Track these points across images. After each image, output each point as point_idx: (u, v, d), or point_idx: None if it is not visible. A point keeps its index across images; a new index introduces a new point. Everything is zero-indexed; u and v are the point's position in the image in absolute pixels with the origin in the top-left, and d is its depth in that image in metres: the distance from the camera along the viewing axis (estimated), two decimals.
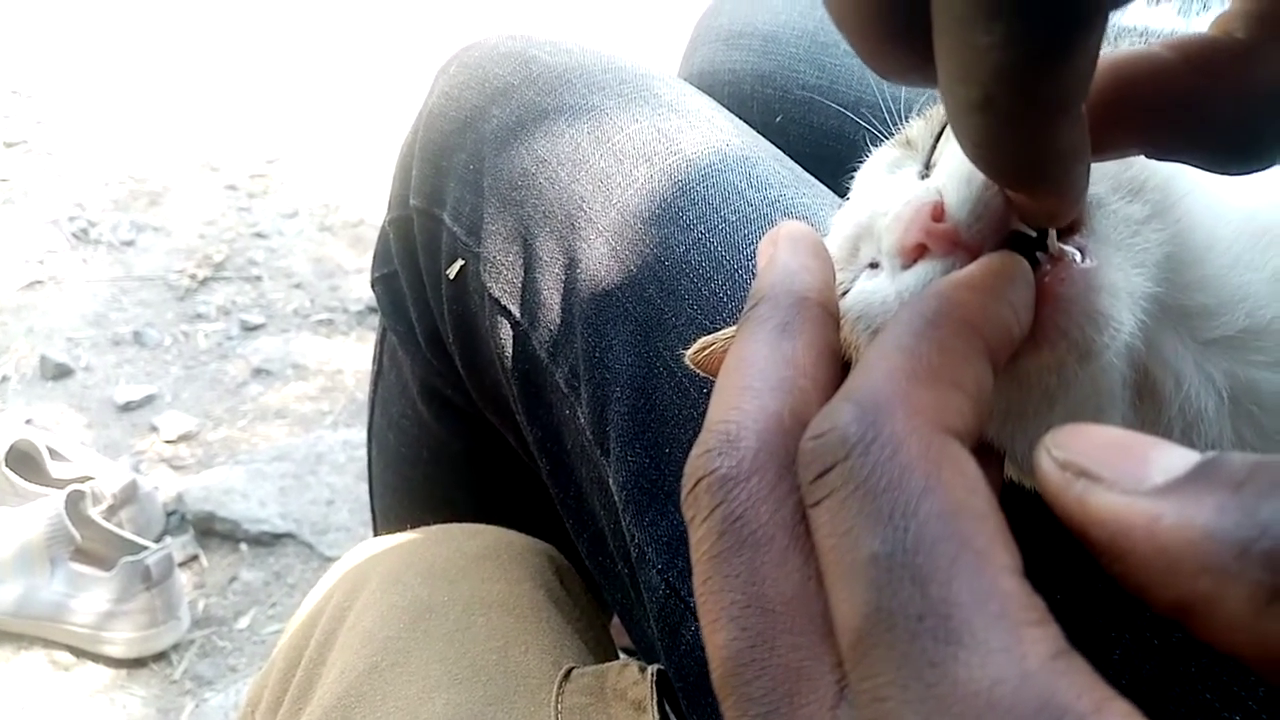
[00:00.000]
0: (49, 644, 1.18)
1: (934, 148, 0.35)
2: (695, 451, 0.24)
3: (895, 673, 0.19)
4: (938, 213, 0.30)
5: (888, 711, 0.19)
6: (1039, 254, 0.29)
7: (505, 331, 0.58)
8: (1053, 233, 0.29)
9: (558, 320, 0.54)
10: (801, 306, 0.27)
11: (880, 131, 0.40)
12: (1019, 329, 0.26)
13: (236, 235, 1.94)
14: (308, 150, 2.22)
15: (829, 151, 0.79)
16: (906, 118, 0.40)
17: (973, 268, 0.26)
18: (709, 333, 0.41)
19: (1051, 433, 0.22)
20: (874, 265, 0.34)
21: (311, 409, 1.58)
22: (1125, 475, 0.20)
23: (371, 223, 2.01)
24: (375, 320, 1.82)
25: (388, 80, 2.44)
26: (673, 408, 0.48)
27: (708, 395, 0.48)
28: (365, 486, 1.40)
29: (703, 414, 0.47)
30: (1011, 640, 0.18)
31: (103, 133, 2.20)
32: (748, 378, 0.25)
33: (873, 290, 0.32)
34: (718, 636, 0.22)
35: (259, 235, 1.95)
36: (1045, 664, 0.18)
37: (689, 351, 0.41)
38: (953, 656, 0.18)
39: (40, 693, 1.13)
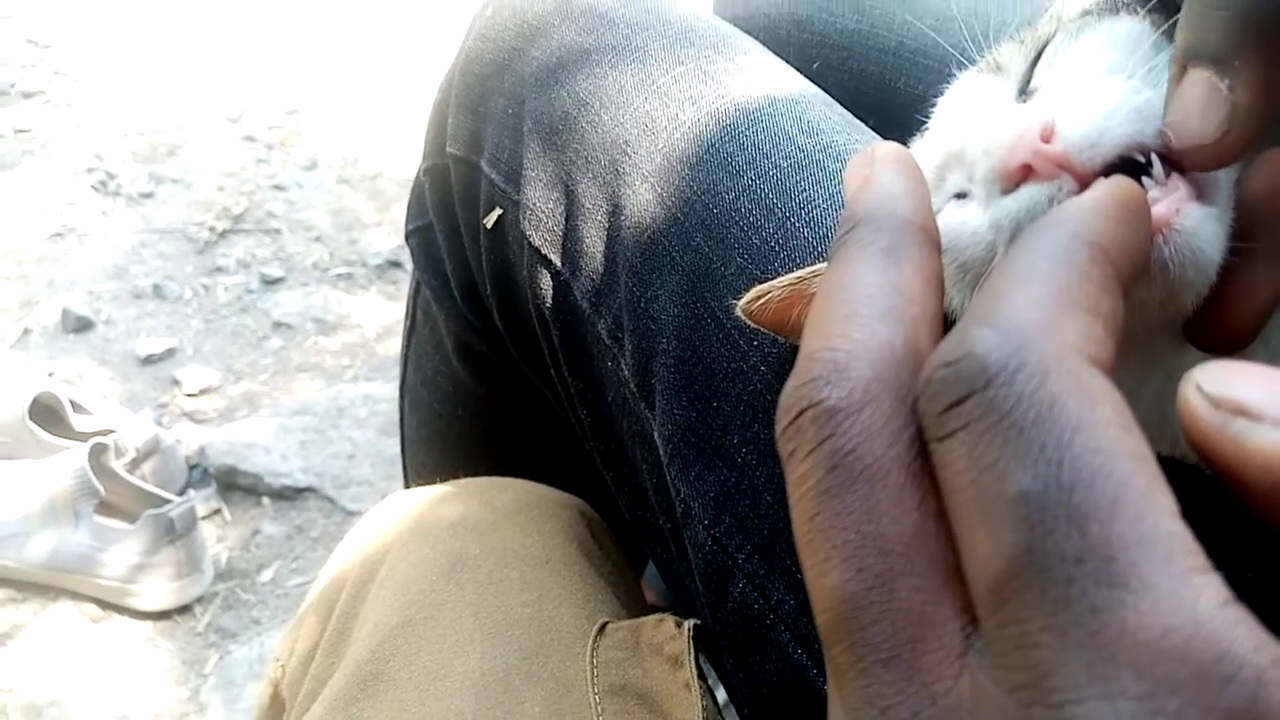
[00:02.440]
0: (76, 596, 1.18)
1: (1030, 71, 0.33)
2: (795, 381, 0.23)
3: (1049, 618, 0.18)
4: (1047, 133, 0.28)
5: (1040, 659, 0.18)
6: (1143, 180, 0.27)
7: (545, 281, 0.56)
8: (1157, 162, 0.28)
9: (600, 269, 0.52)
10: (907, 230, 0.25)
11: (970, 57, 0.38)
12: (1143, 261, 0.24)
13: (255, 188, 1.92)
14: (327, 102, 2.19)
15: (869, 99, 0.76)
16: (977, 51, 0.38)
17: (1099, 193, 0.24)
18: (760, 283, 0.39)
19: (1200, 368, 0.21)
20: (960, 196, 0.32)
21: (332, 363, 1.57)
22: None
23: (390, 175, 1.99)
24: (395, 274, 1.82)
25: (407, 32, 2.40)
26: (721, 360, 0.46)
27: (758, 348, 0.46)
28: (387, 440, 1.40)
29: (752, 367, 0.46)
30: (1182, 586, 0.17)
31: (121, 84, 2.18)
32: (853, 304, 0.23)
33: (963, 220, 0.31)
34: (829, 578, 0.21)
35: (278, 188, 1.93)
36: (1218, 612, 0.17)
37: (741, 301, 0.40)
38: (1119, 601, 0.17)
39: (71, 645, 1.14)
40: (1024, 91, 0.33)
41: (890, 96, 0.77)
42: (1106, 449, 0.18)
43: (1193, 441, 0.20)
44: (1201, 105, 0.27)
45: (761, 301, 0.39)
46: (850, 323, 0.23)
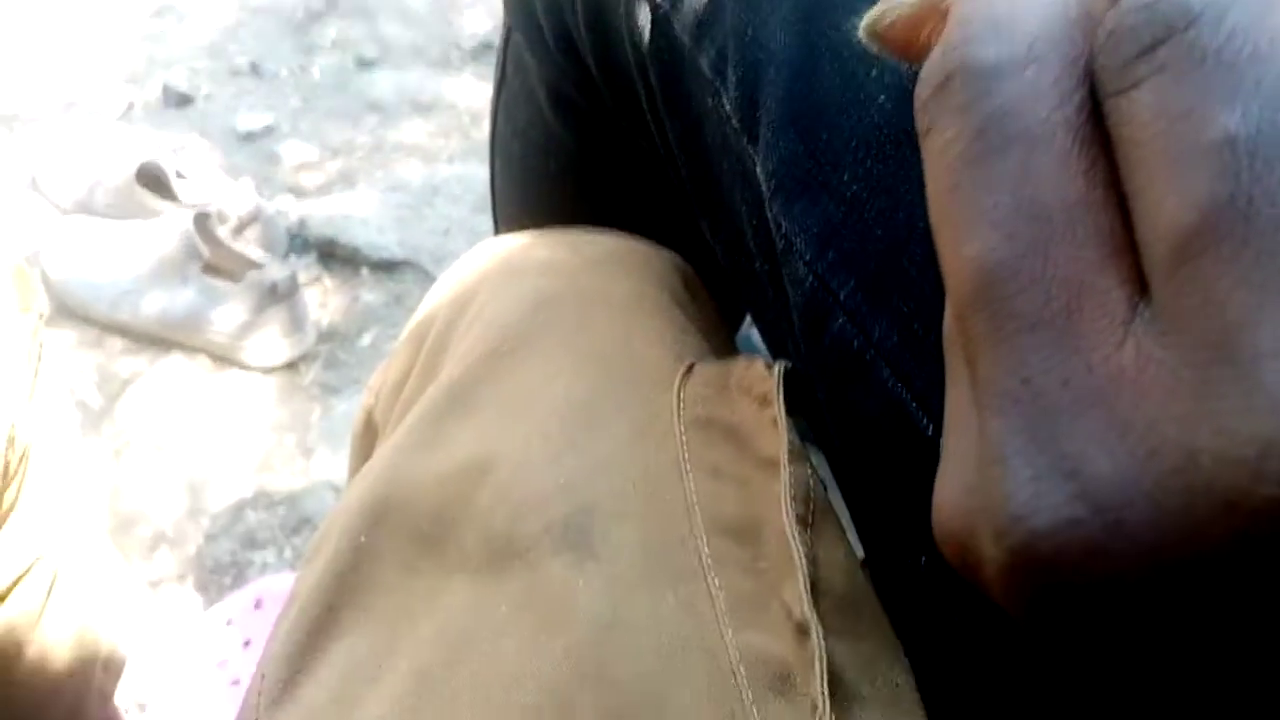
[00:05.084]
0: (188, 349, 1.24)
1: None
2: (942, 48, 0.20)
3: (1247, 271, 0.15)
4: None
5: (1231, 319, 0.15)
6: None
7: (643, 17, 0.53)
8: None
9: None
10: None
11: None
12: None
13: None
14: None
15: None
16: None
17: None
18: None
19: None
20: None
21: (427, 143, 1.57)
22: None
23: None
24: (489, 56, 1.77)
25: None
26: (834, 91, 0.44)
27: (876, 78, 0.43)
28: (481, 218, 1.40)
29: (869, 98, 0.43)
30: None
31: None
32: None
33: None
34: (971, 246, 0.18)
35: None
36: None
37: (865, 20, 0.36)
38: None
39: (184, 394, 1.20)
40: None
41: None
42: None
43: None
44: None
45: (889, 20, 0.36)
46: None
